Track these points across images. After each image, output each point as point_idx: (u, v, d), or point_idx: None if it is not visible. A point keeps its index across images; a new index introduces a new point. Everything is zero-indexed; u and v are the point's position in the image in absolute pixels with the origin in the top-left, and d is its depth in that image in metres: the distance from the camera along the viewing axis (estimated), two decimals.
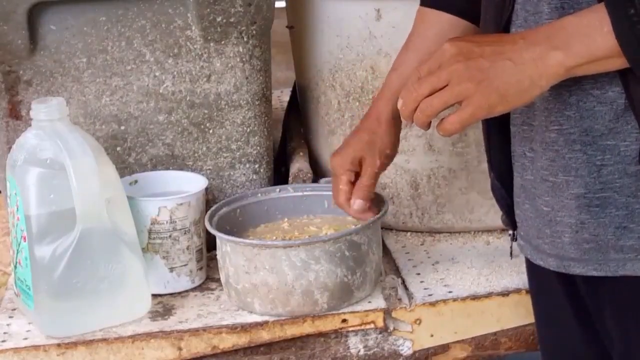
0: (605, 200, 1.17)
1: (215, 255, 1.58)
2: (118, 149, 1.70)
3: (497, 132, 1.29)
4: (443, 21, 1.48)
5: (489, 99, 1.11)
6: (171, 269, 1.60)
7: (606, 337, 1.25)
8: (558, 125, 1.18)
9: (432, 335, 1.56)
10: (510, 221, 1.34)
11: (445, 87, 1.12)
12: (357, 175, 1.53)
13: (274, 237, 1.60)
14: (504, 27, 1.21)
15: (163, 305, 1.59)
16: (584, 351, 1.30)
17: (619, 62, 1.09)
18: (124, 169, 1.69)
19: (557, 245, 1.22)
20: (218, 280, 1.61)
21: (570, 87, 1.15)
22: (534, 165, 1.22)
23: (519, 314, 1.57)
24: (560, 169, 1.19)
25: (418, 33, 1.51)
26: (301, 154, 1.87)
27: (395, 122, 1.51)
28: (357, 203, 1.52)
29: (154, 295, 1.58)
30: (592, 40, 1.08)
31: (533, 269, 1.33)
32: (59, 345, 1.48)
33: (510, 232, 1.36)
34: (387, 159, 1.52)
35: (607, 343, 1.25)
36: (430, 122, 1.16)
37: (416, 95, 1.14)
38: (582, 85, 1.15)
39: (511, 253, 1.47)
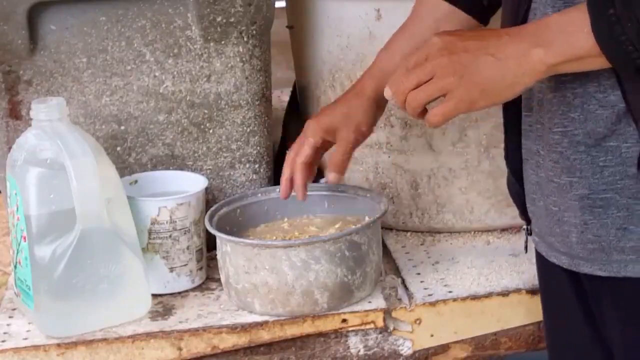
0: (607, 202, 1.17)
1: (215, 255, 1.58)
2: (118, 149, 1.70)
3: (514, 128, 1.29)
4: (440, 10, 1.49)
5: (470, 94, 1.12)
6: (171, 269, 1.60)
7: (608, 337, 1.25)
8: (562, 127, 1.18)
9: (432, 335, 1.56)
10: (525, 216, 1.34)
11: (430, 80, 1.14)
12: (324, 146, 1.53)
13: (274, 237, 1.60)
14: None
15: (163, 305, 1.59)
16: (592, 350, 1.30)
17: (600, 62, 1.09)
18: (124, 169, 1.69)
19: (567, 244, 1.23)
20: (218, 280, 1.61)
21: (574, 89, 1.16)
22: (544, 164, 1.23)
23: (519, 314, 1.57)
24: (564, 170, 1.19)
25: (414, 19, 1.52)
26: None
27: (376, 101, 1.51)
28: (332, 176, 1.52)
29: (154, 295, 1.58)
30: (573, 38, 1.09)
31: (543, 265, 1.33)
32: (59, 345, 1.48)
33: (525, 226, 1.36)
34: (362, 136, 1.52)
35: (610, 343, 1.25)
36: (423, 110, 1.18)
37: (403, 88, 1.17)
38: (587, 89, 1.15)
39: (526, 247, 1.47)
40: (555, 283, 1.32)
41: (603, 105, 1.15)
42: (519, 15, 1.21)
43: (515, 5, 1.23)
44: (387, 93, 1.20)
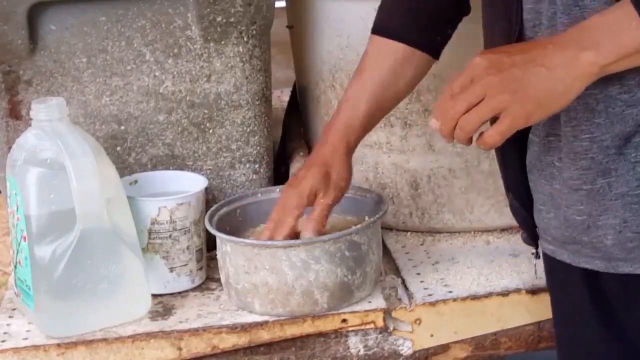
0: None
1: (215, 255, 1.58)
2: (118, 149, 1.70)
3: (514, 149, 1.29)
4: (398, 51, 1.49)
5: (526, 108, 1.11)
6: (171, 269, 1.60)
7: (638, 335, 1.24)
8: (589, 133, 1.18)
9: (432, 335, 1.56)
10: (533, 239, 1.34)
11: (481, 101, 1.12)
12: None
13: None
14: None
15: (163, 305, 1.59)
16: (604, 350, 1.29)
17: None
18: (124, 169, 1.69)
19: (599, 248, 1.22)
20: (218, 280, 1.61)
21: (596, 95, 1.16)
22: (561, 175, 1.22)
23: (519, 314, 1.57)
24: (599, 174, 1.19)
25: (372, 64, 1.51)
26: (301, 154, 1.87)
27: (350, 154, 1.51)
28: (309, 235, 1.49)
29: (154, 295, 1.58)
30: (621, 36, 1.08)
31: (553, 267, 1.32)
32: (59, 345, 1.48)
33: (534, 250, 1.36)
34: (341, 191, 1.52)
35: (638, 341, 1.25)
36: (472, 137, 1.15)
37: (453, 113, 1.13)
38: (609, 92, 1.15)
39: (535, 272, 1.47)
40: (565, 284, 1.31)
41: (631, 105, 1.15)
42: (513, 34, 1.21)
43: (507, 25, 1.23)
44: (434, 124, 1.16)
